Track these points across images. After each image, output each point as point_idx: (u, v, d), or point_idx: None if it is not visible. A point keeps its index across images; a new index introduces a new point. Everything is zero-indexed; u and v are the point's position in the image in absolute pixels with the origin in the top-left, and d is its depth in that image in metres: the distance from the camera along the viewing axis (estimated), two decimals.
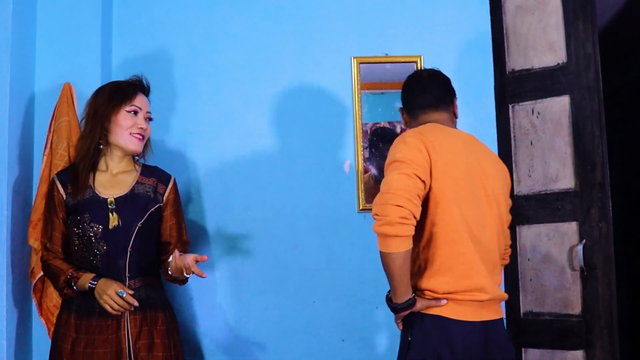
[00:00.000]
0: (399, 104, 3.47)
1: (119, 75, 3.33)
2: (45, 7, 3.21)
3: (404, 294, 2.23)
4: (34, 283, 2.92)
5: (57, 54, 3.20)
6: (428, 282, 2.26)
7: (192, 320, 3.33)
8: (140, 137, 2.69)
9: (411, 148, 2.23)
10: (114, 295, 2.45)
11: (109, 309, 2.47)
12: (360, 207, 3.41)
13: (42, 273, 2.84)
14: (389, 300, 2.34)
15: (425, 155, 2.22)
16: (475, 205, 2.31)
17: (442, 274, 2.24)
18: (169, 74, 3.41)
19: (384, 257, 2.16)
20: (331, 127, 3.46)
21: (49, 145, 3.02)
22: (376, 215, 2.13)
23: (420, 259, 2.31)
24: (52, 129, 3.03)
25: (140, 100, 2.71)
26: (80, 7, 3.23)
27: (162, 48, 3.46)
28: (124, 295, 2.45)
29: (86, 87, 3.14)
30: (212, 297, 3.35)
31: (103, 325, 2.53)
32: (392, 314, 3.35)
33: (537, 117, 3.52)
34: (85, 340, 2.52)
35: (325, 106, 3.48)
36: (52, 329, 2.89)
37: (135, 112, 2.67)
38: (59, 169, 2.92)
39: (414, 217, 2.12)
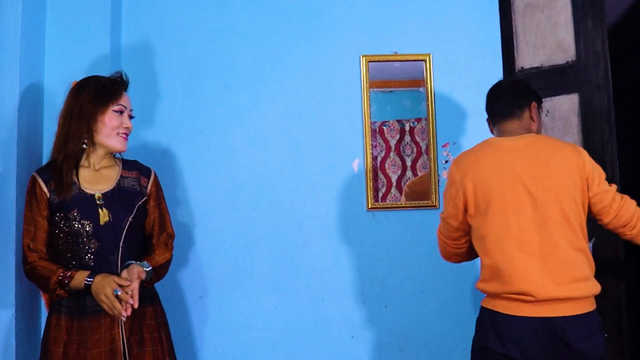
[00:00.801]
0: (408, 102, 3.51)
1: (128, 74, 3.24)
2: (54, 6, 3.19)
3: None
4: None
5: (66, 52, 3.18)
6: (481, 285, 2.51)
7: (201, 318, 3.33)
8: (126, 137, 2.65)
9: (449, 183, 2.60)
10: (111, 296, 2.37)
11: (106, 309, 2.40)
12: (369, 206, 3.41)
13: None
14: None
15: (457, 186, 2.55)
16: (519, 212, 2.43)
17: (489, 281, 2.47)
18: (178, 73, 3.42)
19: None
20: (340, 125, 3.46)
21: None
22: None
23: (481, 264, 2.56)
24: None
25: (124, 98, 2.66)
26: (89, 6, 3.22)
27: (171, 47, 3.45)
28: (119, 294, 2.37)
29: None
30: (221, 295, 3.34)
31: (96, 325, 2.46)
32: (400, 313, 3.40)
33: (547, 115, 3.52)
34: (78, 341, 2.44)
35: (334, 104, 3.47)
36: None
37: (121, 112, 2.62)
38: None
39: (454, 255, 2.72)
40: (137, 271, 2.46)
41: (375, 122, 3.47)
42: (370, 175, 3.42)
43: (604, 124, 3.31)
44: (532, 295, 2.34)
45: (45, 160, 3.09)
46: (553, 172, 2.45)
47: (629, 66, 5.71)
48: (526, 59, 3.60)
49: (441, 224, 2.66)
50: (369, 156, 3.43)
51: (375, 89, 3.48)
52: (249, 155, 3.42)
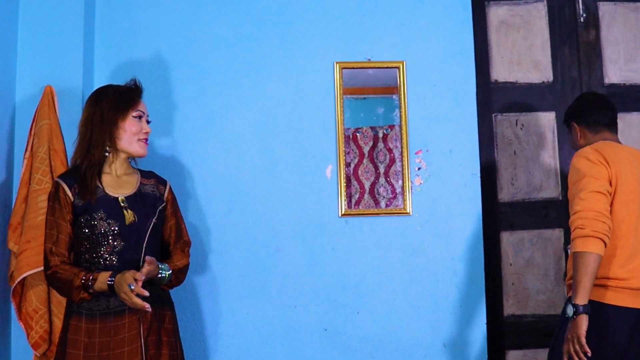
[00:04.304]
0: (381, 109, 3.51)
1: (101, 79, 3.35)
2: (27, 10, 3.20)
3: (586, 295, 2.48)
4: (13, 287, 2.88)
5: (39, 57, 3.19)
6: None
7: None
8: (146, 141, 2.72)
9: (597, 164, 2.58)
10: (128, 292, 2.40)
11: (129, 304, 2.44)
12: (342, 212, 3.41)
13: (22, 277, 2.82)
14: (569, 307, 2.52)
15: (606, 167, 2.58)
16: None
17: (611, 263, 2.56)
18: (151, 78, 3.40)
19: (579, 257, 2.47)
20: (313, 132, 3.47)
21: (29, 149, 3.00)
22: (582, 226, 2.48)
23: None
24: (32, 132, 3.02)
25: (142, 104, 2.73)
26: (62, 11, 3.22)
27: (145, 52, 3.45)
28: (133, 288, 2.39)
29: (68, 91, 3.16)
30: (193, 301, 3.33)
31: (120, 325, 2.49)
32: (372, 319, 3.39)
33: (521, 129, 3.61)
34: (100, 343, 2.47)
35: (307, 111, 3.48)
36: (31, 334, 2.87)
37: (140, 117, 2.69)
38: (40, 172, 2.91)
39: (607, 233, 2.49)
40: (147, 262, 2.49)
41: (349, 128, 3.48)
42: (344, 181, 3.42)
43: None
44: (637, 279, 2.52)
45: (16, 167, 3.09)
46: None
47: None
48: (501, 72, 3.70)
49: (592, 197, 2.52)
50: (342, 163, 3.43)
51: (348, 96, 3.49)
52: (221, 160, 3.41)
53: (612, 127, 2.83)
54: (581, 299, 2.43)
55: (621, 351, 2.50)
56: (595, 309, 2.49)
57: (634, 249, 2.56)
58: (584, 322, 2.43)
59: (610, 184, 2.56)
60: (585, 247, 2.43)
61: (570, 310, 2.45)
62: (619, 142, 2.80)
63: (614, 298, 2.53)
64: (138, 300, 2.39)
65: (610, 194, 2.55)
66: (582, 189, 2.53)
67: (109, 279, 2.44)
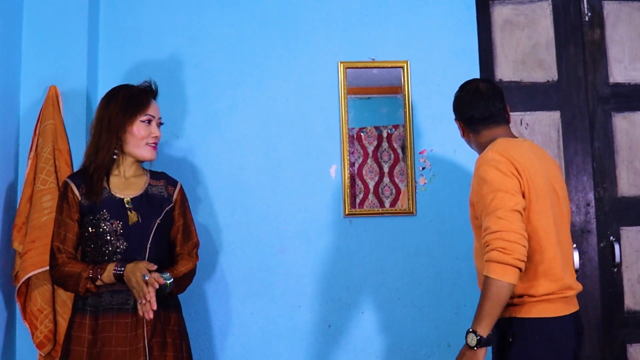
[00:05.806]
0: (385, 109, 3.51)
1: (105, 79, 3.36)
2: (31, 10, 3.20)
3: (492, 326, 2.28)
4: (18, 287, 2.89)
5: (43, 57, 3.19)
6: (526, 288, 2.36)
7: None
8: (155, 146, 2.72)
9: (509, 175, 2.35)
10: (141, 281, 2.42)
11: (136, 296, 2.45)
12: (346, 212, 3.41)
13: (26, 276, 2.82)
14: (472, 336, 2.27)
15: (518, 178, 2.36)
16: (554, 210, 2.42)
17: (539, 279, 2.35)
18: (155, 77, 3.33)
19: (495, 285, 2.24)
20: (317, 131, 3.47)
21: (34, 149, 3.01)
22: (504, 249, 2.23)
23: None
24: (37, 132, 3.03)
25: (153, 107, 2.72)
26: (66, 11, 3.22)
27: (148, 52, 3.45)
28: (147, 279, 2.42)
29: (72, 91, 3.17)
30: (198, 301, 3.33)
31: (122, 323, 2.50)
32: (376, 319, 3.38)
33: (526, 128, 3.61)
34: (102, 339, 2.48)
35: (311, 111, 3.48)
36: (36, 333, 2.87)
37: (149, 121, 2.68)
38: (44, 172, 2.91)
39: (524, 259, 2.27)
40: (155, 276, 2.49)
41: (353, 128, 3.48)
42: (348, 181, 3.42)
43: (585, 143, 3.58)
44: (572, 288, 2.39)
45: (21, 167, 3.10)
46: (559, 174, 2.56)
47: None
48: (505, 71, 3.70)
49: (512, 216, 2.28)
50: (347, 162, 3.43)
51: (352, 96, 3.49)
52: (225, 160, 3.41)
53: (499, 119, 2.58)
54: (486, 330, 2.23)
55: None
56: (541, 325, 2.34)
57: (556, 258, 2.35)
58: (483, 354, 2.25)
59: (524, 196, 2.34)
60: (503, 276, 2.21)
61: (472, 341, 2.23)
62: (513, 135, 2.59)
63: (553, 310, 2.35)
64: (147, 290, 2.41)
65: (524, 210, 2.33)
66: (498, 206, 2.28)
67: (116, 268, 2.48)
